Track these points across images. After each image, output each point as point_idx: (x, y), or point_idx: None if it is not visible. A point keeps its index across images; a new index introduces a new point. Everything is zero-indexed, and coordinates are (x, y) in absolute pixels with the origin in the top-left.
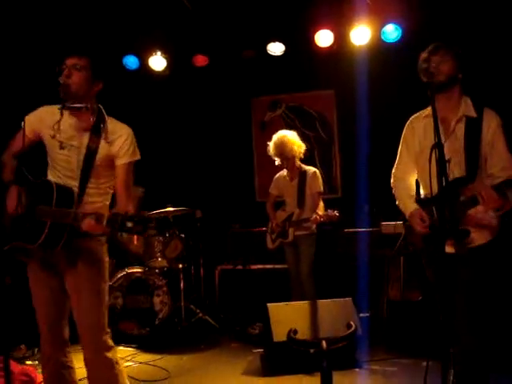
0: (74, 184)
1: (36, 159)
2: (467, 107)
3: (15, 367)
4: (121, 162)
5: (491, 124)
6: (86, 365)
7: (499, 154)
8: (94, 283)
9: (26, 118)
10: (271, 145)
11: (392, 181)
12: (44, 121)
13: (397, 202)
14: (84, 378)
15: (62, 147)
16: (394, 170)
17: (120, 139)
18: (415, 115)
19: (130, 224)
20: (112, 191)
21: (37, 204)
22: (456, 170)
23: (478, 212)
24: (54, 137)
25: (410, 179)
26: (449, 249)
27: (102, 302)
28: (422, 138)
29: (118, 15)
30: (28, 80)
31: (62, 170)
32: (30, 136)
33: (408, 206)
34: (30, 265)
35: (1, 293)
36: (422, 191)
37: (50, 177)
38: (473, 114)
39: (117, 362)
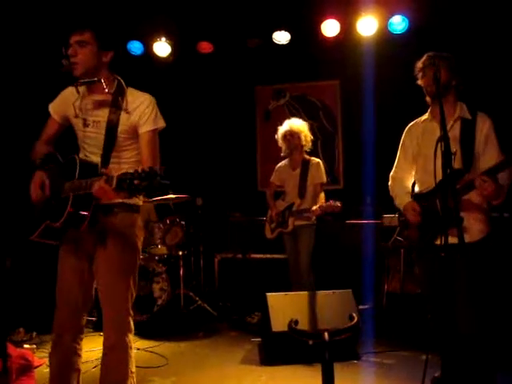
0: (97, 160)
1: (70, 144)
2: (462, 110)
3: (13, 351)
4: (143, 129)
5: (484, 125)
6: (105, 344)
7: (492, 152)
8: (124, 262)
9: (52, 104)
10: (281, 131)
11: (390, 183)
12: (68, 102)
13: (395, 201)
14: (86, 362)
15: (85, 125)
16: (391, 173)
17: (140, 107)
18: (413, 122)
19: (136, 181)
20: (133, 166)
21: (64, 182)
22: (456, 164)
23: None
24: (76, 116)
25: (406, 181)
26: (452, 239)
27: (129, 283)
28: (420, 140)
29: (122, 1)
30: (40, 69)
31: (88, 148)
32: (59, 121)
33: (403, 200)
34: (61, 248)
35: (1, 276)
36: (416, 190)
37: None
38: (468, 116)
39: (130, 347)
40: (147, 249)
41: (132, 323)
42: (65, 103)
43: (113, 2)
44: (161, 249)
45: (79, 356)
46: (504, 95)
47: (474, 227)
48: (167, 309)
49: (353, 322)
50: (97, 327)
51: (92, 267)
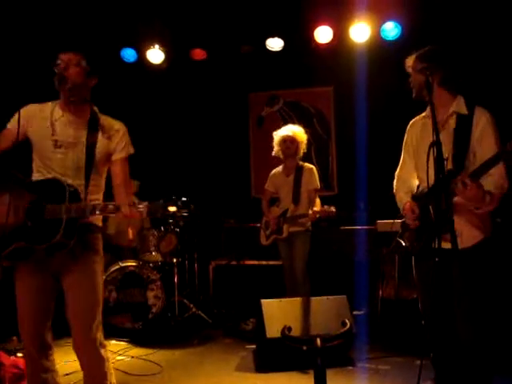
0: (74, 182)
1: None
2: (459, 105)
3: (6, 359)
4: (119, 156)
5: (481, 120)
6: (82, 366)
7: (487, 150)
8: (92, 280)
9: (14, 118)
10: (281, 134)
11: (394, 182)
12: (32, 119)
13: (398, 203)
14: (70, 373)
15: (57, 146)
16: (397, 172)
17: (118, 134)
18: (414, 119)
19: (173, 208)
20: (103, 189)
21: (43, 203)
22: (448, 165)
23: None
24: (47, 135)
25: (412, 181)
26: (445, 244)
27: (98, 299)
28: (418, 137)
29: (116, 8)
30: (23, 76)
31: (58, 169)
32: (17, 138)
33: (402, 199)
34: (19, 268)
35: None
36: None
37: (41, 177)
38: (464, 111)
39: (107, 360)
40: (141, 256)
41: (103, 338)
42: (27, 120)
43: (106, 8)
44: (155, 256)
45: (52, 371)
46: (496, 102)
47: (465, 232)
48: (162, 316)
49: (345, 328)
50: None
51: (54, 286)
